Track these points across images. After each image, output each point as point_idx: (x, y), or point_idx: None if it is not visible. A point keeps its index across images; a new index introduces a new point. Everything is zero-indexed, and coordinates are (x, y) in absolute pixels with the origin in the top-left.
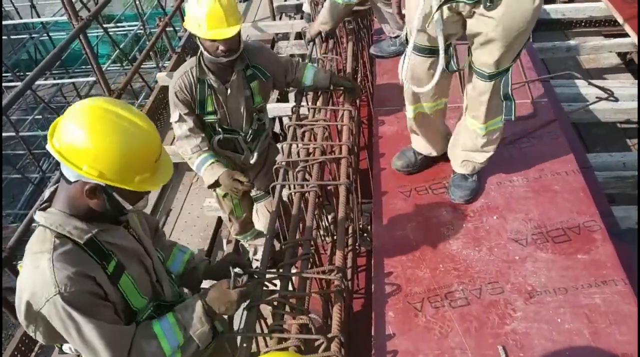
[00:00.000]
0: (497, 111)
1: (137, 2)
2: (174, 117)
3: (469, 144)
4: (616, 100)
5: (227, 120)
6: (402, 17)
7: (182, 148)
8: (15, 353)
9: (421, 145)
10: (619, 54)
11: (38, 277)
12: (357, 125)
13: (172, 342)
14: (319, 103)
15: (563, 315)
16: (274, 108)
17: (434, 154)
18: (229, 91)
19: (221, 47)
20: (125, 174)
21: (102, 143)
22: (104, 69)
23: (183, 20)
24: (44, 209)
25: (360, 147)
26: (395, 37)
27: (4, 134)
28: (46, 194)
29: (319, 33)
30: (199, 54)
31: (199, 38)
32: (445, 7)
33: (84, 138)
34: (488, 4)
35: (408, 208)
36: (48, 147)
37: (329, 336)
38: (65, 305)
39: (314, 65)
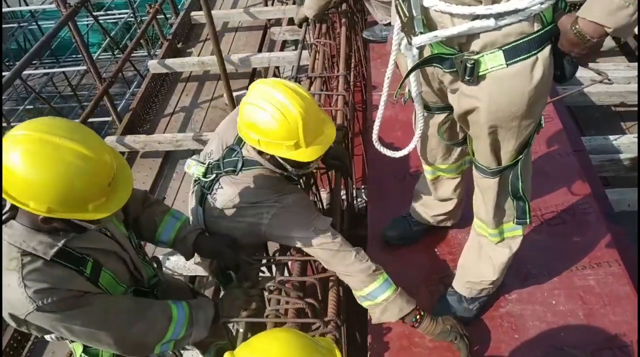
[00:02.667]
0: (509, 213)
1: None
2: (323, 224)
3: (480, 256)
4: (611, 82)
5: None
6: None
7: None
8: (11, 342)
9: (430, 213)
10: (614, 37)
11: (13, 296)
12: (352, 111)
13: (176, 333)
14: (313, 88)
15: (557, 297)
16: None
17: (447, 224)
18: None
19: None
20: (76, 206)
21: (43, 180)
22: (94, 57)
23: (174, 7)
24: (5, 221)
25: (355, 133)
26: (387, 24)
27: None
28: (7, 204)
29: (305, 18)
30: (270, 166)
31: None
32: (422, 76)
33: (23, 175)
34: (466, 77)
35: (403, 192)
36: None
37: (326, 319)
38: (47, 314)
39: None
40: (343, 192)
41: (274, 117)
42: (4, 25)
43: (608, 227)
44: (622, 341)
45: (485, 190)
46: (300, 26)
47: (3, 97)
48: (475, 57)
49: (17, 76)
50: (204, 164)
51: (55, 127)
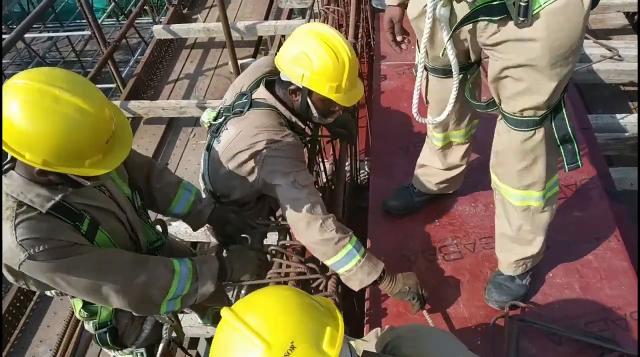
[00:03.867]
0: (554, 166)
1: None
2: (305, 179)
3: (520, 233)
4: (621, 59)
5: None
6: (399, 44)
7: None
8: (14, 301)
9: (433, 181)
10: (627, 15)
11: (5, 245)
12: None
13: (180, 288)
14: None
15: (555, 269)
16: None
17: (449, 191)
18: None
19: (337, 107)
20: (72, 160)
21: (40, 131)
22: (100, 22)
23: None
24: (6, 171)
25: (359, 104)
26: None
27: None
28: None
29: None
30: (282, 103)
31: (311, 95)
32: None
33: (20, 126)
34: (520, 18)
35: (406, 164)
36: None
37: (327, 274)
38: (41, 264)
39: None
40: (347, 162)
41: (329, 56)
42: None
43: (610, 204)
44: (616, 314)
45: (533, 149)
46: None
47: (5, 61)
48: None
49: (19, 38)
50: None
51: (56, 78)
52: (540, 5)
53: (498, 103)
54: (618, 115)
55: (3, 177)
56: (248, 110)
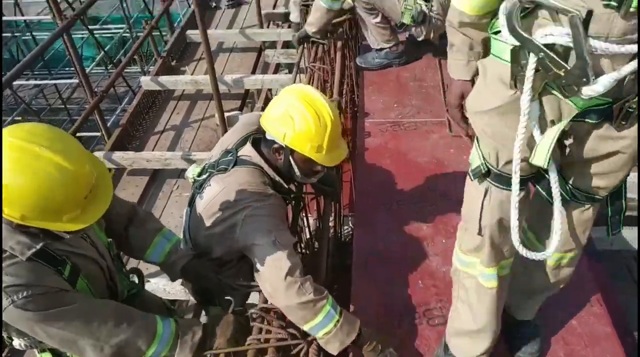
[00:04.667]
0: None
1: (124, 5)
2: (286, 239)
3: (550, 282)
4: None
5: None
6: (468, 123)
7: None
8: None
9: (478, 349)
10: None
11: None
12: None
13: (157, 352)
14: None
15: None
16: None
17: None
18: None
19: (320, 168)
20: (50, 216)
21: (19, 188)
22: (87, 71)
23: (170, 24)
24: None
25: (344, 159)
26: (380, 50)
27: None
28: None
29: (307, 36)
30: (267, 161)
31: (293, 154)
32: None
33: (1, 181)
34: (622, 122)
35: (389, 221)
36: None
37: (309, 339)
38: (25, 313)
39: None
40: (331, 218)
41: (311, 116)
42: None
43: (590, 266)
44: None
45: (589, 218)
46: (299, 43)
47: None
48: (635, 99)
49: (8, 85)
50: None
51: (37, 135)
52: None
53: (568, 179)
54: None
55: None
56: (233, 167)
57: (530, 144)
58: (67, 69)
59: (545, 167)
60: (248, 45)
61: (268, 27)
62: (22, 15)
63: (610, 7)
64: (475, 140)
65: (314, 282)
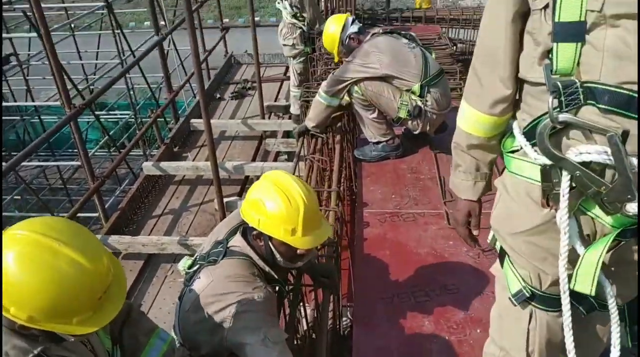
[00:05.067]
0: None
1: (131, 93)
2: (277, 336)
3: None
4: None
5: None
6: (475, 240)
7: None
8: None
9: None
10: None
11: None
12: (341, 226)
13: None
14: None
15: None
16: None
17: None
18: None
19: (303, 251)
20: (59, 318)
21: (32, 286)
22: (91, 153)
23: (175, 112)
24: None
25: (342, 247)
26: (377, 143)
27: None
28: None
29: (306, 130)
30: (253, 249)
31: (271, 240)
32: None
33: (12, 278)
34: None
35: (390, 316)
36: None
37: None
38: None
39: None
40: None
41: (279, 199)
42: (7, 118)
43: None
44: None
45: (607, 328)
46: (299, 137)
47: None
48: None
49: (12, 169)
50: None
51: (56, 230)
52: None
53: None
54: None
55: None
56: (222, 259)
57: (572, 258)
58: (70, 150)
59: (593, 294)
60: (249, 134)
61: (269, 117)
62: (33, 100)
63: None
64: (509, 264)
65: None
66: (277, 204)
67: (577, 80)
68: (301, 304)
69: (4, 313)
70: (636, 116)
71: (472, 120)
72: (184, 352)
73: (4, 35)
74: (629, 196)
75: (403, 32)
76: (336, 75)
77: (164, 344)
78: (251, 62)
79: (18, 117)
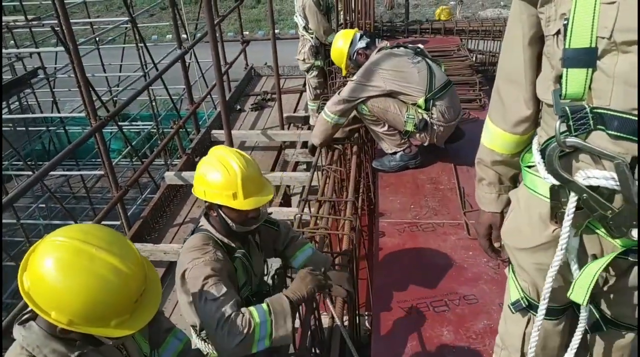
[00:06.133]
0: None
1: (153, 104)
2: (215, 290)
3: None
4: None
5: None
6: (497, 252)
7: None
8: None
9: None
10: None
11: None
12: (358, 235)
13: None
14: (321, 211)
15: None
16: (276, 212)
17: None
18: (253, 259)
19: (252, 214)
20: (98, 321)
21: (70, 291)
22: (114, 163)
23: (196, 124)
24: (25, 321)
25: (360, 256)
26: (394, 153)
27: (4, 221)
28: None
29: (313, 146)
30: (211, 225)
31: (221, 209)
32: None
33: (52, 283)
34: None
35: (408, 325)
36: (18, 283)
37: None
38: None
39: (313, 247)
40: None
41: (217, 169)
42: (33, 128)
43: None
44: None
45: (622, 347)
46: (312, 153)
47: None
48: None
49: (39, 180)
50: None
51: (93, 237)
52: None
53: (603, 306)
54: None
55: (21, 328)
56: (190, 235)
57: (565, 276)
58: (93, 160)
59: (584, 305)
60: (269, 144)
61: (289, 128)
62: (59, 111)
63: None
64: (512, 273)
65: (240, 311)
66: (216, 173)
67: (587, 106)
68: (316, 311)
69: (44, 317)
70: None
71: (495, 138)
72: (198, 353)
73: (32, 49)
74: (635, 222)
75: (410, 45)
76: (342, 96)
77: (180, 343)
78: (271, 74)
79: (44, 128)
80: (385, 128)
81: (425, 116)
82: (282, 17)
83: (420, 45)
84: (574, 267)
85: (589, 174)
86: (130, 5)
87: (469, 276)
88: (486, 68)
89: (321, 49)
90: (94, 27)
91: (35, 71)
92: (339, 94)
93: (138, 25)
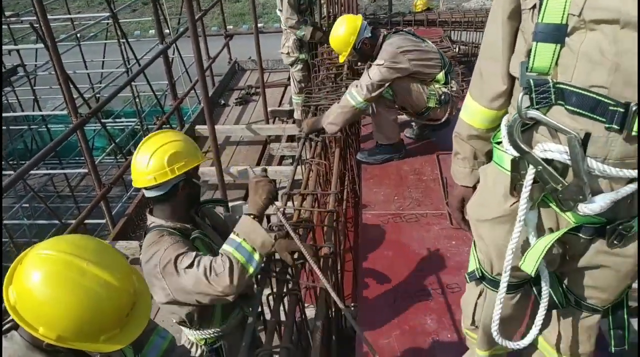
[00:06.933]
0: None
1: (137, 100)
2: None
3: None
4: None
5: None
6: (466, 222)
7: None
8: None
9: None
10: None
11: None
12: (343, 227)
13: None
14: (305, 204)
15: None
16: None
17: None
18: (211, 238)
19: (195, 177)
20: (88, 337)
21: (62, 307)
22: (98, 161)
23: (180, 119)
24: (7, 330)
25: (345, 249)
26: (380, 146)
27: None
28: None
29: (318, 130)
30: (159, 217)
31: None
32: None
33: (41, 299)
34: (614, 242)
35: (393, 315)
36: (4, 297)
37: None
38: None
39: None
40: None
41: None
42: (15, 127)
43: None
44: None
45: (588, 327)
46: (312, 134)
47: None
48: (631, 222)
49: (20, 178)
50: None
51: (83, 249)
52: (635, 230)
53: (568, 284)
54: None
55: (3, 339)
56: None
57: (525, 249)
58: (77, 158)
59: (532, 275)
60: (254, 139)
61: (274, 122)
62: (40, 110)
63: (612, 130)
64: (473, 245)
65: (214, 258)
66: (169, 149)
67: (550, 80)
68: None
69: (32, 332)
70: (601, 120)
71: (473, 112)
72: (184, 349)
73: (11, 47)
74: (581, 197)
75: (406, 29)
76: (372, 81)
77: (164, 341)
78: (255, 68)
79: (26, 127)
80: (395, 116)
81: (445, 89)
82: (267, 10)
83: (412, 30)
84: (533, 240)
85: (545, 147)
86: (112, 0)
87: (451, 264)
88: (469, 59)
89: (305, 42)
90: (75, 23)
91: (15, 69)
92: (366, 81)
93: (120, 20)
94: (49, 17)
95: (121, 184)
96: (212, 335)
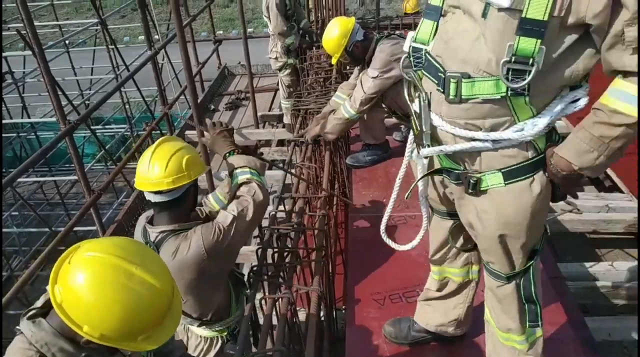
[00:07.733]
0: (526, 317)
1: (127, 106)
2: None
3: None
4: (580, 212)
5: None
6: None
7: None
8: None
9: (434, 319)
10: None
11: None
12: (334, 230)
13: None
14: (295, 207)
15: None
16: None
17: (457, 333)
18: None
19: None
20: (128, 336)
21: (108, 308)
22: (88, 168)
23: (170, 125)
24: (34, 316)
25: (336, 251)
26: (368, 147)
27: None
28: (41, 300)
29: (318, 136)
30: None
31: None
32: (432, 182)
33: (88, 299)
34: (470, 190)
35: (382, 317)
36: (50, 294)
37: None
38: None
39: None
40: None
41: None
42: (2, 135)
43: None
44: None
45: (504, 297)
46: (313, 142)
47: None
48: (477, 175)
49: (9, 185)
50: None
51: (127, 251)
52: (488, 186)
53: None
54: (587, 264)
55: (30, 324)
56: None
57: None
58: (67, 165)
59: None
60: (244, 143)
61: (264, 127)
62: (29, 117)
63: (439, 92)
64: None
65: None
66: (189, 152)
67: (424, 48)
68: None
69: (76, 330)
70: (436, 82)
71: None
72: (180, 343)
73: None
74: (423, 142)
75: (397, 33)
76: (366, 96)
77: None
78: (244, 73)
79: (14, 134)
80: (385, 115)
81: None
82: (256, 15)
83: (403, 33)
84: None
85: (415, 102)
86: (100, 7)
87: None
88: None
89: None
90: (63, 29)
91: (3, 76)
92: (360, 93)
93: (109, 27)
94: (36, 23)
95: (111, 190)
96: (233, 322)
